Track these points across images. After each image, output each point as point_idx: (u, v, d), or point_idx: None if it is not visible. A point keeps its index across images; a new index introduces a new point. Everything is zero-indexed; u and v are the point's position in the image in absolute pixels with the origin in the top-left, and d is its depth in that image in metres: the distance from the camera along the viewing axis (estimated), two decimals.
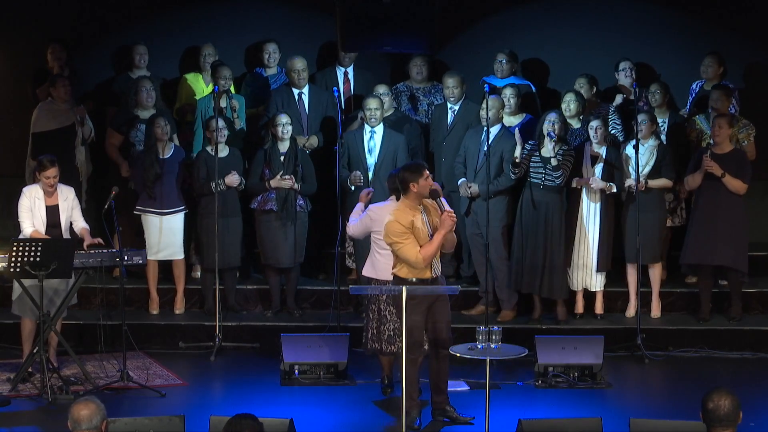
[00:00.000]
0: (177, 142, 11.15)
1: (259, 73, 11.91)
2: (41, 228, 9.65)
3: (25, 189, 9.80)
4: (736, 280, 10.85)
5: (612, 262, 10.90)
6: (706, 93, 11.45)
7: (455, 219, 8.22)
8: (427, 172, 8.32)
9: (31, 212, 9.66)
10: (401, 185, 8.33)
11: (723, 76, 11.55)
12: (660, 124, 11.12)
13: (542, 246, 10.62)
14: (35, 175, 9.79)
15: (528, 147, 10.56)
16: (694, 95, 11.64)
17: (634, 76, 11.54)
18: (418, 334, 8.39)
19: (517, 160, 10.47)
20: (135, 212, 10.94)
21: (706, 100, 11.38)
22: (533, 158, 10.59)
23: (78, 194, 11.15)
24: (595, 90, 11.44)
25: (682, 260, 10.88)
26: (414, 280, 8.28)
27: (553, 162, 10.46)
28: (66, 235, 9.72)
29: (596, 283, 10.85)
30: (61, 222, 9.74)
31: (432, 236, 8.25)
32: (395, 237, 8.22)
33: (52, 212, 9.72)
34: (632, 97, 11.29)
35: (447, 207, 8.27)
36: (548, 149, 10.53)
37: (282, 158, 10.84)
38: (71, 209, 9.80)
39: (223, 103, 11.15)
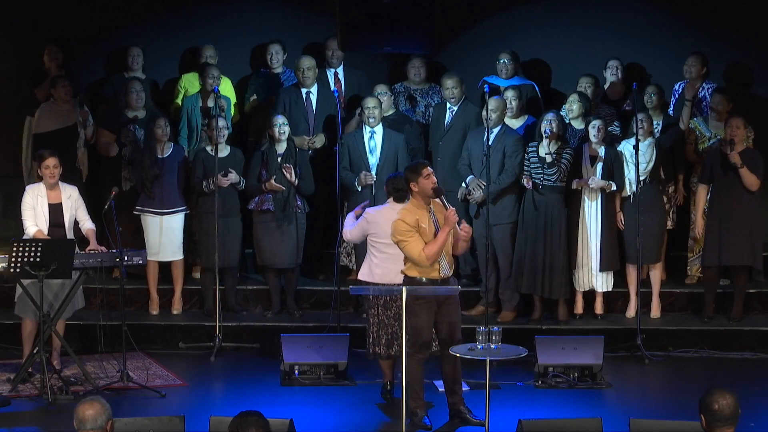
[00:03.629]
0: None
1: (265, 72, 11.89)
2: (44, 227, 9.62)
3: (27, 187, 9.77)
4: (743, 280, 10.85)
5: (620, 260, 10.90)
6: (697, 95, 11.44)
7: (457, 217, 8.27)
8: (428, 170, 8.42)
9: (34, 211, 9.64)
10: (405, 185, 8.49)
11: (705, 76, 11.51)
12: (654, 126, 11.13)
13: (542, 246, 10.61)
14: (37, 171, 9.75)
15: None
16: (677, 96, 11.63)
17: (620, 75, 11.55)
18: (427, 335, 8.41)
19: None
20: (135, 212, 10.94)
21: (700, 102, 11.38)
22: (532, 158, 10.59)
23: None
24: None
25: (702, 262, 10.91)
26: (423, 279, 8.34)
27: (548, 159, 10.46)
28: (70, 234, 9.69)
29: (601, 283, 10.84)
30: (65, 221, 9.70)
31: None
32: (400, 235, 8.30)
33: (55, 211, 9.68)
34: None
35: (449, 206, 8.32)
36: (544, 148, 10.54)
37: (279, 159, 10.82)
38: (75, 208, 9.77)
39: (210, 103, 11.13)
